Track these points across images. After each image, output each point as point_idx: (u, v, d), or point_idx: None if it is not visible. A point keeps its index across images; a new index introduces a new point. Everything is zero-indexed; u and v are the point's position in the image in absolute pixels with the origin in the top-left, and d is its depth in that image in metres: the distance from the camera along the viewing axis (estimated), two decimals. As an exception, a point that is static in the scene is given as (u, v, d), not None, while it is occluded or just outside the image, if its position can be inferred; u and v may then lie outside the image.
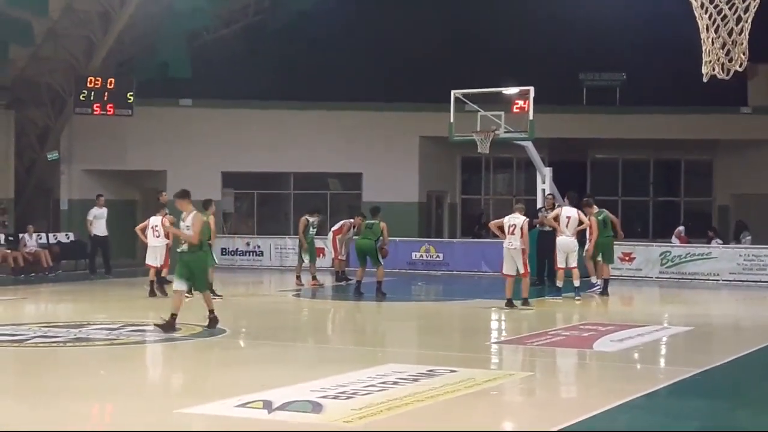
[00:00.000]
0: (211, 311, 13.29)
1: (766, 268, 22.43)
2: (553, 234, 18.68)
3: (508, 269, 16.37)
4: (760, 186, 29.22)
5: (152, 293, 17.88)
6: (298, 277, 20.97)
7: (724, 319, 16.80)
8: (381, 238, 18.34)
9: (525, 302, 16.50)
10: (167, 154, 28.37)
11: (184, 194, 13.37)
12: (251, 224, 30.41)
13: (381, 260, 18.39)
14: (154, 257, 18.07)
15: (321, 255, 23.60)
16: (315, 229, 20.93)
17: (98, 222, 23.31)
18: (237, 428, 7.56)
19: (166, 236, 17.95)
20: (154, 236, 18.11)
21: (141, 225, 18.59)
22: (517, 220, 16.30)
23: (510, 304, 16.25)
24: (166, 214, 18.46)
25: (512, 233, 16.20)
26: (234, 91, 28.25)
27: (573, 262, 18.02)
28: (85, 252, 24.93)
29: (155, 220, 18.15)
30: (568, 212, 18.30)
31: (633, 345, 12.36)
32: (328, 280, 22.02)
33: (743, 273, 22.55)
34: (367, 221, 18.85)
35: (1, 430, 7.32)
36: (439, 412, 8.12)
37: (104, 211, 23.52)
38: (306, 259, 20.70)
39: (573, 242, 18.14)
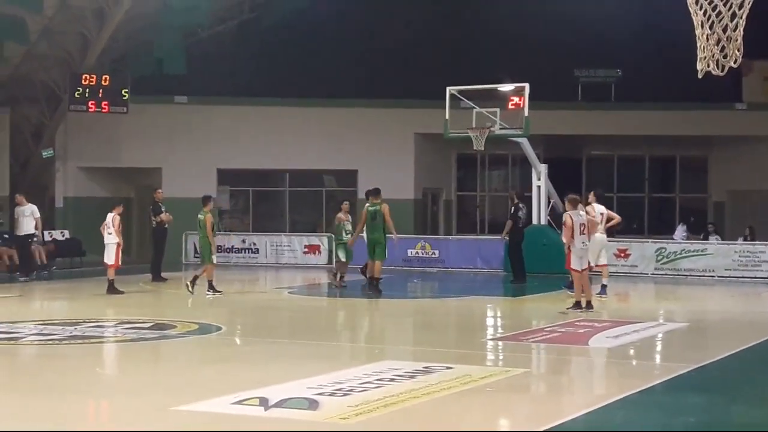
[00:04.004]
0: None
1: (761, 264, 22.49)
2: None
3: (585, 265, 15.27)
4: (756, 182, 29.28)
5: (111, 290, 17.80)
6: (335, 275, 20.01)
7: (719, 315, 16.80)
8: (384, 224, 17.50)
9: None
10: (162, 151, 28.33)
11: None
12: (247, 221, 30.40)
13: (385, 254, 17.90)
14: (108, 255, 17.81)
15: None
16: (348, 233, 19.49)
17: (20, 220, 21.88)
18: (233, 425, 7.55)
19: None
20: (107, 233, 17.82)
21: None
22: (582, 217, 15.28)
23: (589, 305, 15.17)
24: (121, 211, 18.23)
25: (583, 233, 15.12)
26: (229, 88, 28.22)
27: (603, 260, 17.50)
28: (80, 250, 25.08)
29: (108, 218, 17.91)
30: (600, 209, 17.40)
31: (629, 341, 12.39)
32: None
33: (738, 269, 22.58)
34: (369, 207, 17.77)
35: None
36: (435, 409, 8.13)
37: (26, 208, 21.87)
38: (342, 256, 19.60)
39: (604, 238, 17.40)
